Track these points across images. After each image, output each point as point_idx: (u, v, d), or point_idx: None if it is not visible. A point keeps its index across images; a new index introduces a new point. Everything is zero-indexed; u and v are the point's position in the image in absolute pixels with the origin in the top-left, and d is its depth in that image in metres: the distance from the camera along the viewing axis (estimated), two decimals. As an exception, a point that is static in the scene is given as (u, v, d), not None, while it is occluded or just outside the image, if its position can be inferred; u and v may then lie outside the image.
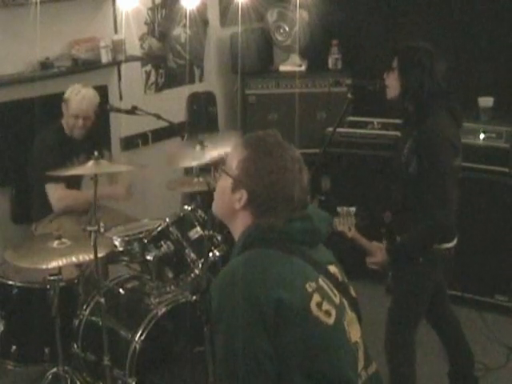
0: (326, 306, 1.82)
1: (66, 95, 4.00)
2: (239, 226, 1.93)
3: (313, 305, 1.80)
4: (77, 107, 3.97)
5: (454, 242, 3.23)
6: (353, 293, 1.99)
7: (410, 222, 3.15)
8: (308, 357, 1.78)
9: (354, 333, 1.91)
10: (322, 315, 1.81)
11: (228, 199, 1.93)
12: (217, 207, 2.01)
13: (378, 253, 3.22)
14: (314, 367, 1.78)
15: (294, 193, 1.87)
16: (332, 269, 1.94)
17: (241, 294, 1.76)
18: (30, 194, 4.06)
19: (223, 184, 1.95)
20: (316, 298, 1.81)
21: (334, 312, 1.84)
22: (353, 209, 3.22)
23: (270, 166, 1.87)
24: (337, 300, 1.87)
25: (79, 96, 3.98)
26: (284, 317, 1.75)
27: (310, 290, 1.81)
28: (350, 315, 1.91)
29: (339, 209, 3.22)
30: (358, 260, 3.29)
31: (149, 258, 3.46)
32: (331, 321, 1.82)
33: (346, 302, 1.91)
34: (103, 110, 4.27)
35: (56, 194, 3.94)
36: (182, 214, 3.59)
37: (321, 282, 1.86)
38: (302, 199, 1.90)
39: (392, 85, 3.19)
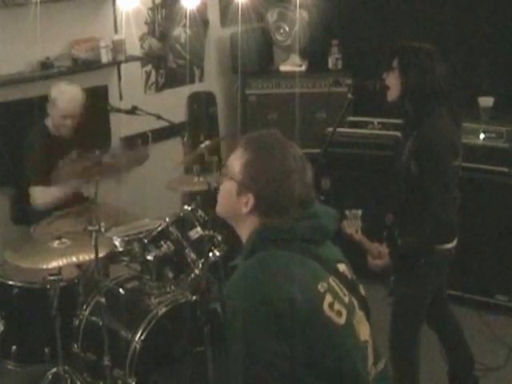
0: (337, 306, 1.83)
1: (53, 95, 3.96)
2: (247, 228, 1.92)
3: (325, 305, 1.80)
4: (65, 108, 3.94)
5: (455, 242, 3.23)
6: (362, 291, 1.99)
7: (411, 223, 3.15)
8: (320, 356, 1.78)
9: (364, 331, 1.92)
10: (334, 315, 1.81)
11: (234, 203, 1.91)
12: (221, 208, 1.98)
13: (378, 255, 3.22)
14: (326, 366, 1.79)
15: (300, 191, 1.87)
16: (341, 267, 1.95)
17: (255, 296, 1.76)
18: (28, 195, 4.05)
19: (227, 187, 1.93)
20: (328, 298, 1.81)
21: (344, 312, 1.84)
22: (359, 211, 3.23)
23: (274, 168, 1.86)
24: (346, 299, 1.88)
25: (66, 96, 3.95)
26: (298, 318, 1.75)
27: (322, 290, 1.81)
28: (359, 314, 1.92)
29: (347, 212, 3.23)
30: (361, 261, 3.29)
31: (149, 257, 3.46)
32: (342, 320, 1.83)
33: (355, 301, 1.92)
34: (103, 110, 4.28)
35: (37, 196, 3.94)
36: (181, 214, 3.60)
37: (331, 281, 1.86)
38: (308, 197, 1.89)
39: (392, 85, 3.19)
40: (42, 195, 3.94)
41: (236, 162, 1.91)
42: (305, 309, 1.76)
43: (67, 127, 3.99)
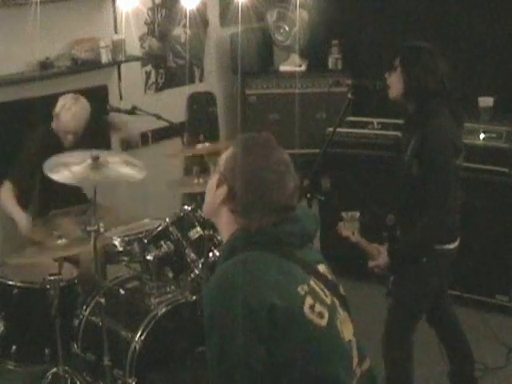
0: (318, 307, 1.82)
1: (57, 109, 3.94)
2: (224, 224, 1.93)
3: (306, 308, 1.79)
4: (66, 125, 3.94)
5: (457, 243, 3.22)
6: (342, 291, 1.99)
7: (412, 224, 3.14)
8: (302, 359, 1.77)
9: (347, 331, 1.91)
10: (315, 317, 1.80)
11: (212, 195, 1.93)
12: (204, 204, 2.02)
13: (378, 255, 3.21)
14: (308, 369, 1.78)
15: (273, 194, 1.85)
16: (321, 268, 1.94)
17: (234, 299, 1.75)
18: (29, 193, 4.06)
19: (212, 181, 1.96)
20: (308, 300, 1.80)
21: (326, 313, 1.83)
22: (357, 213, 3.22)
23: (250, 164, 1.86)
24: (328, 300, 1.87)
25: (69, 114, 3.93)
26: (277, 322, 1.74)
27: (302, 293, 1.80)
28: (342, 314, 1.91)
29: (344, 214, 3.22)
30: (359, 260, 3.29)
31: (149, 257, 3.46)
32: (324, 322, 1.82)
33: (337, 302, 1.91)
34: (103, 110, 4.27)
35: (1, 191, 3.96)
36: (181, 214, 3.59)
37: (312, 283, 1.85)
38: (283, 202, 1.87)
39: (394, 84, 3.18)
40: (6, 198, 3.95)
41: (224, 156, 1.94)
42: (284, 313, 1.75)
43: (69, 140, 3.99)
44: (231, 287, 1.77)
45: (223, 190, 1.89)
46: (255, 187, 1.86)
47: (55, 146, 3.99)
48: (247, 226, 1.87)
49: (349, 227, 3.20)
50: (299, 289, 1.81)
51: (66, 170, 3.07)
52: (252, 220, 1.86)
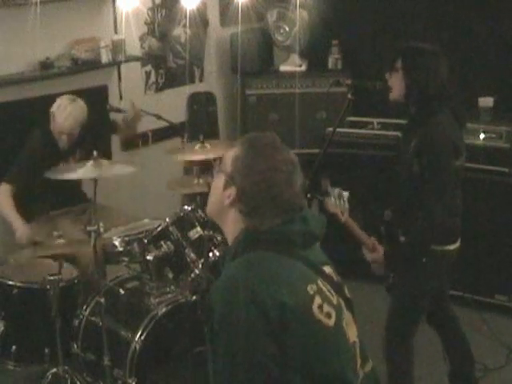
0: (326, 307, 1.83)
1: (53, 109, 3.93)
2: (230, 224, 1.93)
3: (315, 307, 1.80)
4: (61, 125, 3.92)
5: (457, 244, 3.22)
6: (347, 293, 1.99)
7: (410, 221, 3.14)
8: (310, 359, 1.78)
9: (352, 332, 1.92)
10: (323, 317, 1.81)
11: (219, 196, 1.93)
12: (209, 205, 2.01)
13: (373, 248, 3.21)
14: (316, 369, 1.79)
15: (283, 193, 1.86)
16: (327, 269, 1.94)
17: (244, 299, 1.75)
18: (27, 195, 4.05)
19: (217, 182, 1.96)
20: (317, 300, 1.81)
21: (333, 313, 1.84)
22: (346, 193, 3.18)
23: (259, 165, 1.87)
24: (335, 301, 1.88)
25: (64, 114, 3.90)
26: (288, 320, 1.75)
27: (311, 292, 1.81)
28: (347, 315, 1.92)
29: (330, 189, 3.17)
30: (359, 260, 3.29)
31: (149, 257, 3.46)
32: (332, 322, 1.83)
33: (342, 302, 1.92)
34: (103, 110, 4.27)
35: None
36: (181, 214, 3.59)
37: (320, 283, 1.86)
38: (292, 201, 1.88)
39: (395, 85, 3.18)
40: (3, 201, 3.91)
41: (228, 156, 1.94)
42: (295, 312, 1.76)
43: (63, 142, 3.99)
44: (241, 288, 1.77)
45: (232, 191, 1.89)
46: (264, 188, 1.86)
47: (51, 147, 4.00)
48: (256, 226, 1.87)
49: (337, 205, 3.16)
50: (308, 288, 1.82)
51: None
52: (261, 220, 1.87)
